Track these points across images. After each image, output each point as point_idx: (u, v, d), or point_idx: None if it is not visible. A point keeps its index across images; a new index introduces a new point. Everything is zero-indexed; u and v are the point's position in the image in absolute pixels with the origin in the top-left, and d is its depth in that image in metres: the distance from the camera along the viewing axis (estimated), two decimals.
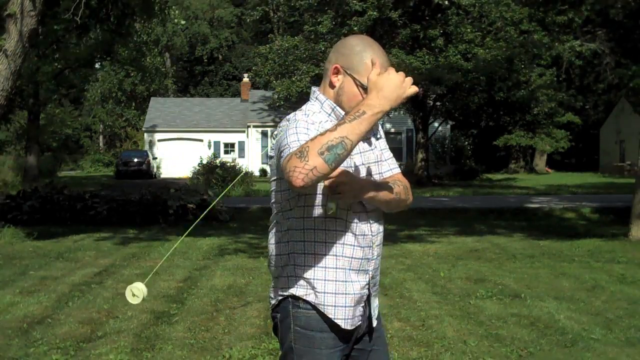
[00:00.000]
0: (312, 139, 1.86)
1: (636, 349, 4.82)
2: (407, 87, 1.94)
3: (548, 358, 4.65)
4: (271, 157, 2.16)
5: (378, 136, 2.29)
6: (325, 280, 2.10)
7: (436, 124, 32.62)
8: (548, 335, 5.13)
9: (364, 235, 2.14)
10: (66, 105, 47.34)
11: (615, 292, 6.75)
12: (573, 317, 5.69)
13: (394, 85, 1.92)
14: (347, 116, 1.89)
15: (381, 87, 1.92)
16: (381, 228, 2.21)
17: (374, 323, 2.24)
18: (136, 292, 2.20)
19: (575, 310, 5.92)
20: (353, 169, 2.12)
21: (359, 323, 2.17)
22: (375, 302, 2.24)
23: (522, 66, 25.98)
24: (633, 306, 6.09)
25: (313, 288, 2.10)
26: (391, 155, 2.30)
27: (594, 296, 6.54)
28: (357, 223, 2.12)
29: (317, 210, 2.09)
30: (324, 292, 2.10)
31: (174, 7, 15.64)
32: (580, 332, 5.20)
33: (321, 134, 1.86)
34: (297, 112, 2.15)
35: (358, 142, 1.88)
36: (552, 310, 5.90)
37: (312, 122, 2.08)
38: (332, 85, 2.16)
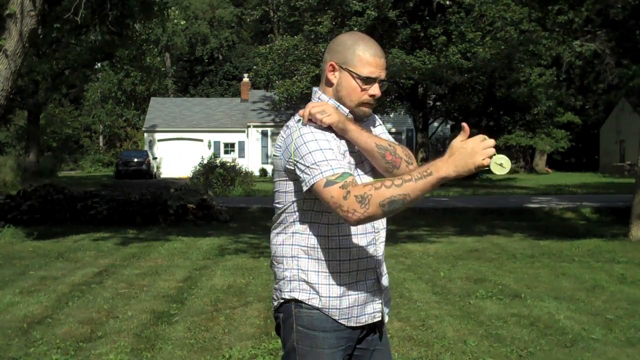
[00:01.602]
0: (376, 188, 1.89)
1: (636, 349, 4.82)
2: (481, 155, 1.88)
3: (548, 358, 4.65)
4: (276, 157, 2.15)
5: (378, 123, 2.30)
6: (329, 284, 2.10)
7: (436, 124, 32.62)
8: (548, 335, 5.13)
9: (369, 233, 2.15)
10: (66, 105, 47.34)
11: (615, 292, 6.74)
12: (573, 317, 5.69)
13: (467, 153, 1.88)
14: (415, 172, 1.90)
15: (453, 153, 1.90)
16: (384, 224, 2.22)
17: (386, 319, 2.24)
18: (504, 162, 1.92)
19: (575, 310, 5.92)
20: (355, 158, 2.14)
21: (374, 320, 2.17)
22: (384, 299, 2.24)
23: (522, 65, 26.00)
24: (633, 306, 6.09)
25: (317, 292, 2.10)
26: (390, 137, 2.28)
27: (594, 296, 6.54)
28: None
29: (323, 216, 2.09)
30: (329, 297, 2.10)
31: (173, 7, 15.61)
32: (580, 332, 5.20)
33: (385, 185, 1.89)
34: None
35: (416, 199, 1.91)
36: (552, 310, 5.89)
37: (326, 128, 2.07)
38: (330, 83, 2.16)
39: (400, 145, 2.21)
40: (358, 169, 2.16)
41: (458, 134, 1.94)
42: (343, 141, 2.12)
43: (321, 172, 1.96)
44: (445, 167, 1.89)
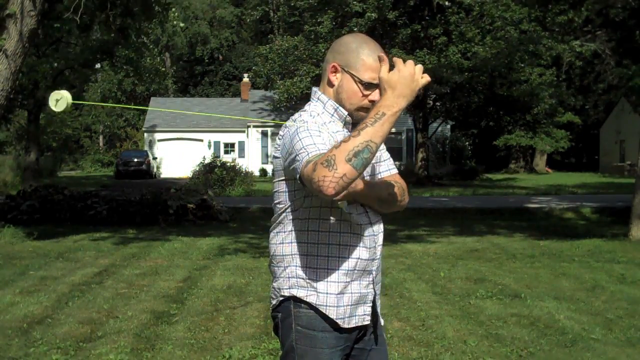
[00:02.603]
0: (336, 147, 1.85)
1: (636, 349, 4.82)
2: (419, 77, 1.94)
3: (548, 358, 4.65)
4: (275, 158, 2.15)
5: None
6: (327, 281, 2.10)
7: (436, 124, 32.62)
8: (548, 335, 5.13)
9: (368, 235, 2.15)
10: None
11: (615, 292, 6.75)
12: (573, 317, 5.69)
13: (406, 80, 1.92)
14: (368, 119, 1.89)
15: (394, 85, 1.91)
16: (382, 227, 2.22)
17: (382, 321, 2.25)
18: (58, 97, 1.97)
19: (575, 310, 5.92)
20: None
21: (363, 323, 2.17)
22: (378, 302, 2.25)
23: (522, 65, 26.00)
24: (633, 306, 6.09)
25: (315, 289, 2.10)
26: (389, 156, 2.31)
27: (594, 296, 6.54)
28: (360, 224, 2.13)
29: (322, 212, 2.09)
30: (326, 294, 2.10)
31: (173, 9, 15.59)
32: (580, 332, 5.20)
33: (344, 141, 1.86)
34: (302, 112, 2.16)
35: (382, 143, 1.90)
36: (552, 310, 5.90)
37: (321, 122, 2.09)
38: (331, 84, 2.16)
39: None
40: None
41: (386, 68, 1.95)
42: (345, 131, 2.14)
43: (307, 154, 1.94)
44: (395, 101, 1.90)
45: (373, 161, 2.20)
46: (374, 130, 1.87)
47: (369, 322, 2.19)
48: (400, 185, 2.21)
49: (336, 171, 1.81)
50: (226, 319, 5.62)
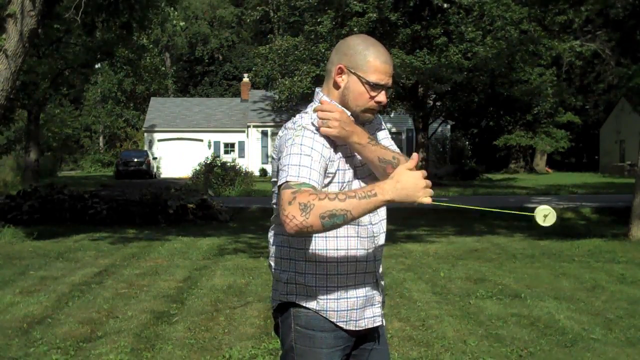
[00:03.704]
0: (320, 199, 1.85)
1: (636, 349, 4.82)
2: (422, 194, 1.92)
3: (548, 358, 4.65)
4: (273, 159, 2.15)
5: (382, 127, 2.30)
6: (327, 287, 2.10)
7: (436, 124, 32.62)
8: (548, 335, 5.13)
9: (368, 237, 2.14)
10: (66, 105, 47.33)
11: (615, 292, 6.75)
12: (573, 317, 5.69)
13: (412, 185, 1.91)
14: (359, 191, 1.89)
15: (400, 180, 1.91)
16: (384, 227, 2.21)
17: (383, 322, 2.24)
18: (550, 215, 1.99)
19: (575, 310, 5.92)
20: (360, 164, 2.14)
21: (374, 324, 2.17)
22: (382, 302, 2.24)
23: (522, 65, 25.99)
24: (633, 306, 6.09)
25: (314, 295, 2.10)
26: (392, 142, 2.27)
27: (594, 296, 6.54)
28: (360, 224, 2.12)
29: None
30: (326, 299, 2.10)
31: (176, 11, 15.60)
32: (580, 332, 5.20)
33: (329, 198, 1.86)
34: (304, 114, 2.14)
35: (358, 217, 1.90)
36: (552, 310, 5.90)
37: (317, 140, 2.04)
38: (337, 86, 2.15)
39: (404, 157, 2.18)
40: (358, 173, 2.16)
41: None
42: (345, 147, 2.12)
43: (288, 175, 1.95)
44: (391, 191, 1.89)
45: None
46: (358, 204, 1.87)
47: (380, 324, 2.20)
48: (402, 157, 2.18)
49: (306, 220, 1.84)
50: (226, 319, 5.62)
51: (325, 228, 1.87)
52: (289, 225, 1.86)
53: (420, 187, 1.91)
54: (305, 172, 1.95)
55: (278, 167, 2.06)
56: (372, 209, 1.90)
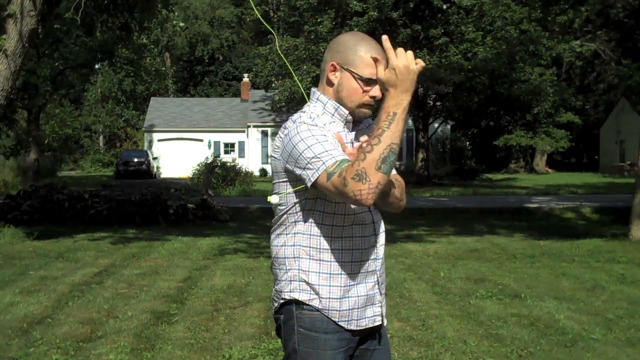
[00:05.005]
0: (362, 160, 1.89)
1: (636, 349, 4.82)
2: (413, 66, 1.95)
3: (548, 358, 4.65)
4: (274, 159, 2.14)
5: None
6: (330, 286, 2.09)
7: (436, 124, 32.62)
8: (548, 335, 5.13)
9: (370, 235, 2.14)
10: (66, 105, 47.34)
11: (615, 292, 6.75)
12: (573, 317, 5.69)
13: (404, 75, 1.94)
14: (382, 123, 1.92)
15: (394, 83, 1.94)
16: (383, 226, 2.22)
17: (385, 322, 2.24)
18: None
19: (575, 310, 5.92)
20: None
21: (374, 324, 2.17)
22: (383, 302, 2.24)
23: (522, 65, 26.00)
24: (633, 306, 6.09)
25: (317, 294, 2.09)
26: None
27: (594, 296, 6.54)
28: (361, 225, 2.12)
29: (325, 217, 2.09)
30: (329, 298, 2.09)
31: (176, 13, 15.62)
32: (580, 332, 5.20)
33: (368, 151, 1.90)
34: (302, 114, 2.13)
35: (401, 141, 1.95)
36: (552, 310, 5.90)
37: (322, 124, 2.08)
38: (330, 83, 2.15)
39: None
40: None
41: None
42: (346, 131, 2.15)
43: (323, 163, 1.96)
44: (401, 98, 1.94)
45: None
46: (391, 133, 1.92)
47: (380, 323, 2.20)
48: (400, 184, 2.21)
49: (370, 182, 1.88)
50: (226, 319, 5.62)
51: (388, 172, 1.92)
52: (364, 199, 1.89)
53: (406, 68, 1.94)
54: (333, 153, 1.98)
55: (292, 167, 2.04)
56: (404, 124, 1.95)
